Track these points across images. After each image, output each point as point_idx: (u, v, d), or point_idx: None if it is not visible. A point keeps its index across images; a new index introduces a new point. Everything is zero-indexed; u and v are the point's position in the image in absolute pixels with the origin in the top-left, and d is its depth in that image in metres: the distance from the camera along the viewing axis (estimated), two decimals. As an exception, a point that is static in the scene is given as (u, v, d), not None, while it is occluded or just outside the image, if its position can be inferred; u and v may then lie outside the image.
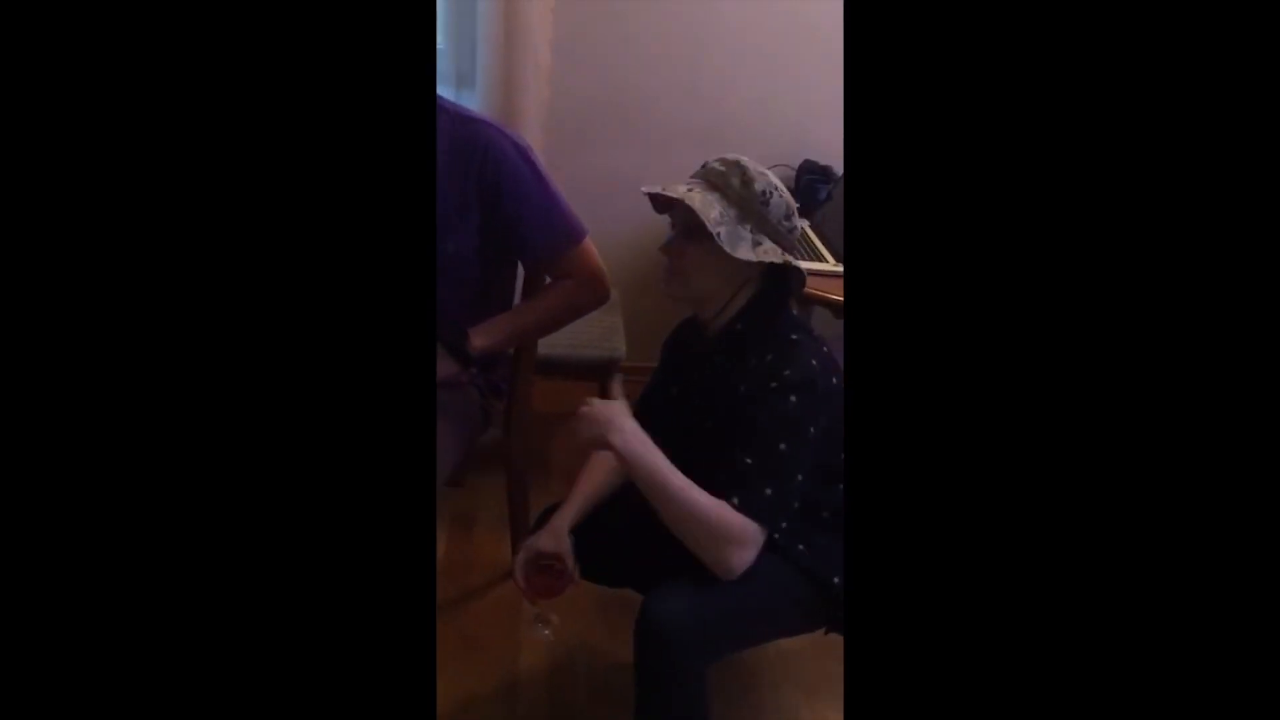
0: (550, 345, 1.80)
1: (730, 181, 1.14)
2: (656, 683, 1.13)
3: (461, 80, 1.93)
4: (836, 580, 1.18)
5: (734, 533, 1.08)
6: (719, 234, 1.10)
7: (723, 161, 1.17)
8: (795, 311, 1.24)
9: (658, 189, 1.16)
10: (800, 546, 1.17)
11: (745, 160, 1.16)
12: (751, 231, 1.14)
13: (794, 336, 1.17)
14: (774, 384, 1.12)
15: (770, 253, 1.14)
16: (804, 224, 2.02)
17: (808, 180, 2.16)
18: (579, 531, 1.25)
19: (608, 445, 1.11)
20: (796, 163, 2.23)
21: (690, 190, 1.13)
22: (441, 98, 1.33)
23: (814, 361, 1.14)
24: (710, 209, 1.11)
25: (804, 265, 1.23)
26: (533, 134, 1.95)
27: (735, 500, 1.09)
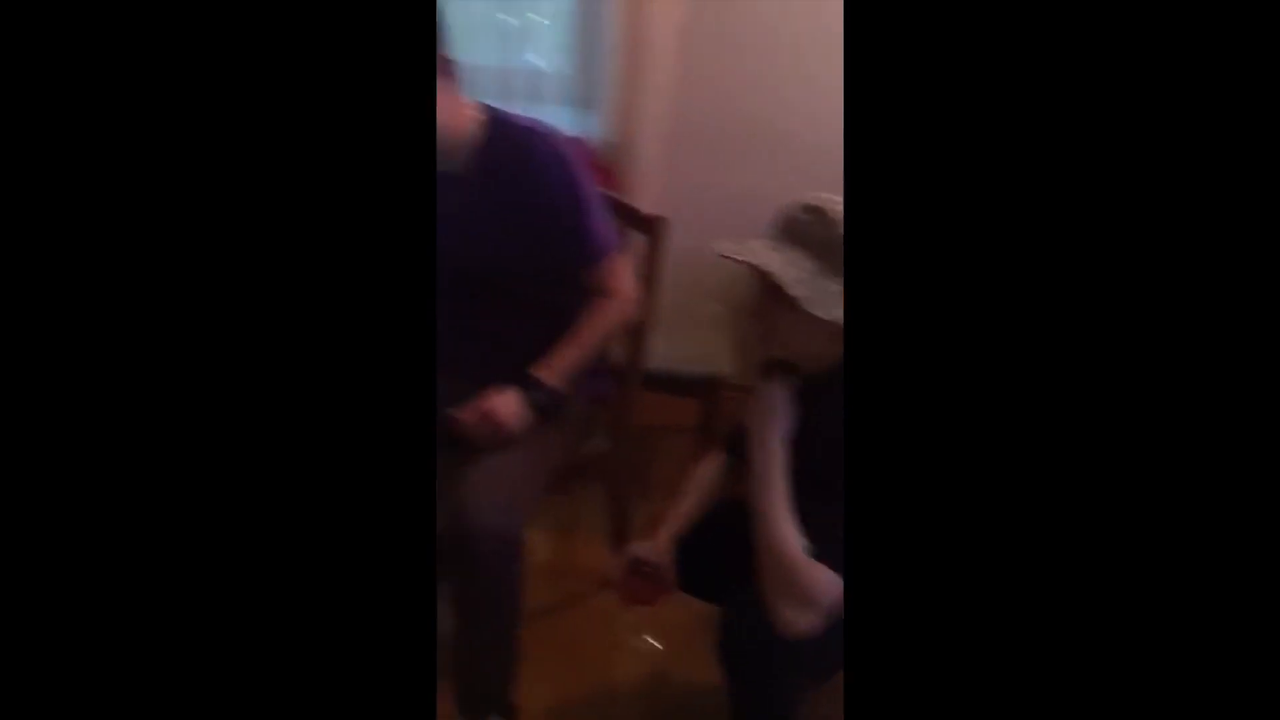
0: (658, 359, 1.83)
1: (812, 231, 1.01)
2: (742, 691, 1.11)
3: (584, 103, 1.99)
4: None
5: (816, 592, 1.00)
6: (800, 297, 0.99)
7: (804, 208, 1.04)
8: None
9: (734, 249, 1.03)
10: None
11: (827, 203, 1.03)
12: (839, 282, 1.01)
13: None
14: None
15: None
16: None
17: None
18: (683, 543, 1.26)
19: (752, 426, 1.06)
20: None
21: (767, 248, 1.02)
22: (499, 109, 1.32)
23: None
24: (789, 269, 1.00)
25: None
26: (654, 155, 1.99)
27: (816, 550, 1.02)
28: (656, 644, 1.26)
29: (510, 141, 1.29)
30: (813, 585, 1.00)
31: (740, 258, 1.02)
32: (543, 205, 1.29)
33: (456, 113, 1.26)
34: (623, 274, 1.37)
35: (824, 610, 1.01)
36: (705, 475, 1.33)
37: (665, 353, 1.92)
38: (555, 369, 1.34)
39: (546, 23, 1.91)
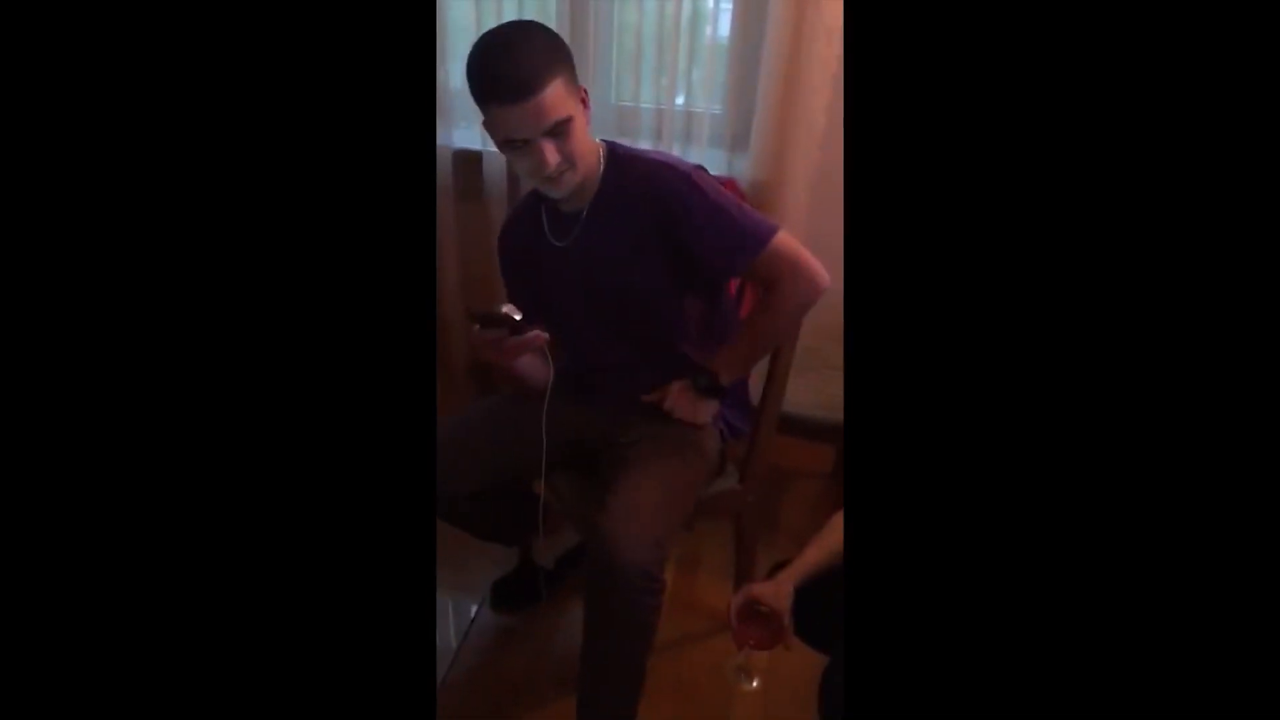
0: (793, 404, 1.81)
1: None
2: None
3: (735, 143, 2.02)
4: None
5: None
6: None
7: None
8: None
9: None
10: None
11: None
12: None
13: None
14: None
15: None
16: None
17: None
18: (804, 591, 1.23)
19: None
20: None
21: None
22: (615, 143, 1.36)
23: None
24: None
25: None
26: (802, 197, 1.98)
27: None
28: (752, 683, 1.23)
29: (631, 172, 1.32)
30: None
31: None
32: (678, 224, 1.30)
33: (588, 148, 1.29)
34: (789, 257, 1.34)
35: None
36: (836, 525, 1.30)
37: (801, 396, 1.90)
38: (724, 359, 1.40)
39: (702, 66, 1.96)
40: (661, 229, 1.31)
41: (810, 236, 2.06)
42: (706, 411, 1.42)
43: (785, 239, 1.34)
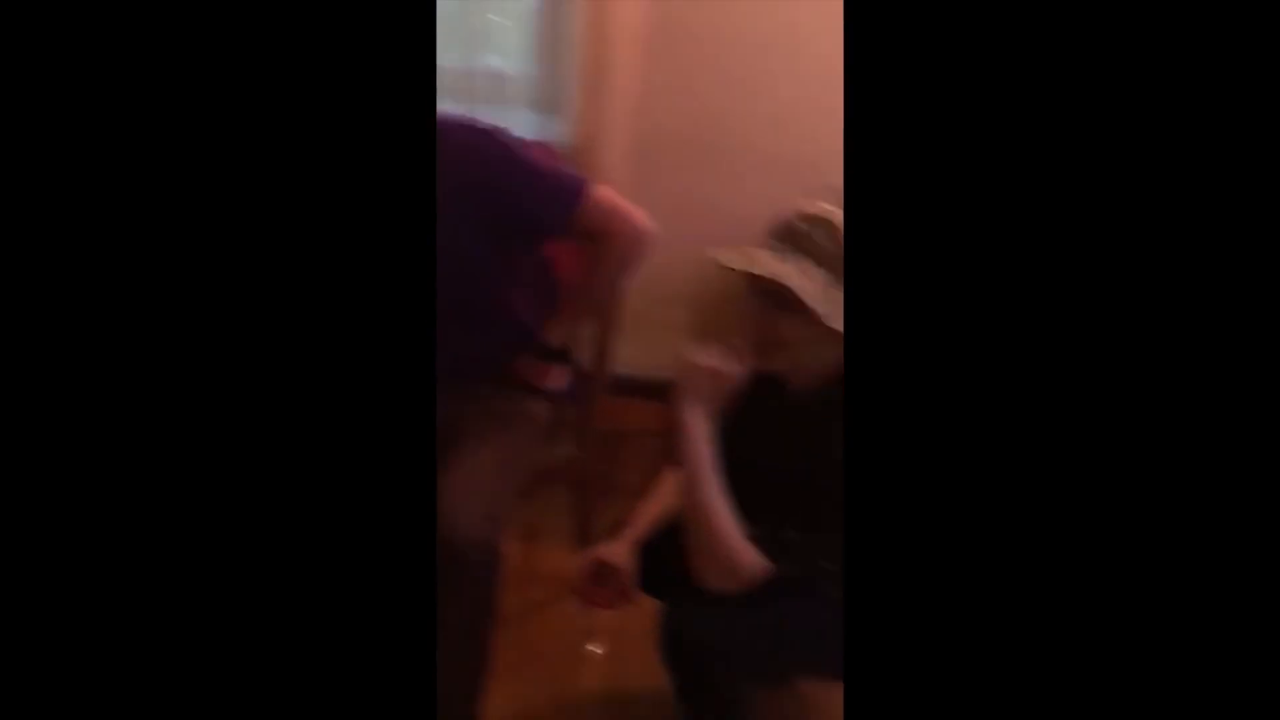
0: (623, 364, 1.82)
1: (818, 239, 1.01)
2: (685, 688, 1.12)
3: (548, 107, 1.98)
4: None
5: (742, 566, 1.03)
6: (818, 308, 0.99)
7: (805, 218, 1.04)
8: None
9: (737, 263, 1.02)
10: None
11: (831, 213, 1.03)
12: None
13: None
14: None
15: None
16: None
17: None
18: (646, 548, 1.25)
19: (678, 406, 1.03)
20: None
21: (775, 259, 1.01)
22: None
23: None
24: (804, 280, 0.99)
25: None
26: (617, 161, 1.98)
27: (753, 533, 1.05)
28: (598, 650, 1.25)
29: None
30: (739, 550, 1.03)
31: (750, 269, 1.01)
32: (486, 181, 1.25)
33: None
34: (609, 209, 1.30)
35: (743, 582, 1.04)
36: (672, 480, 1.32)
37: (631, 357, 1.92)
38: (557, 328, 1.38)
39: (509, 24, 1.90)
40: (468, 192, 1.25)
41: (631, 200, 2.07)
42: (559, 376, 1.42)
43: (603, 190, 1.30)
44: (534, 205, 1.28)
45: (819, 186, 2.40)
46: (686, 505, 1.07)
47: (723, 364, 1.02)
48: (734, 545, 1.04)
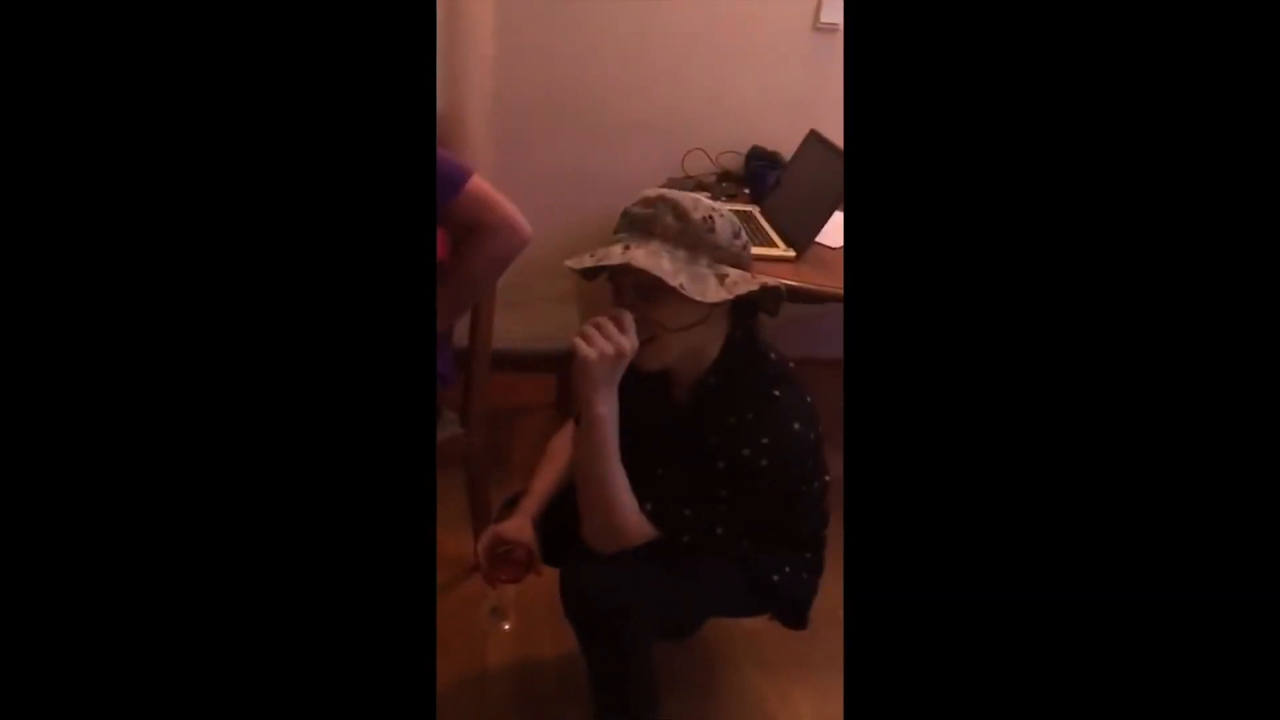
0: (505, 339, 1.80)
1: (665, 221, 1.02)
2: (590, 645, 1.16)
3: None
4: (776, 578, 1.21)
5: (629, 531, 1.08)
6: (681, 285, 0.99)
7: (644, 202, 1.04)
8: (772, 354, 1.14)
9: (587, 261, 1.03)
10: (745, 543, 1.19)
11: (669, 192, 1.05)
12: (709, 265, 1.03)
13: (776, 393, 1.08)
14: (746, 450, 1.04)
15: (740, 281, 1.03)
16: (754, 209, 2.04)
17: (756, 166, 2.19)
18: (544, 518, 1.25)
19: (582, 378, 1.02)
20: (745, 149, 2.25)
21: (626, 248, 1.01)
22: None
23: (796, 425, 1.06)
24: (659, 260, 0.99)
25: (756, 251, 1.21)
26: (477, 128, 1.94)
27: (648, 507, 1.09)
28: (506, 624, 1.26)
29: None
30: (627, 516, 1.06)
31: (607, 263, 1.02)
32: None
33: None
34: (487, 203, 1.26)
35: (629, 545, 1.08)
36: (560, 448, 1.32)
37: (512, 330, 1.89)
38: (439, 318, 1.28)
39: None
40: None
41: (499, 171, 2.03)
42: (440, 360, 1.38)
43: (481, 183, 1.27)
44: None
45: (684, 150, 2.44)
46: (583, 475, 1.08)
47: (617, 336, 1.02)
48: (625, 514, 1.07)
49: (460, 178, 1.24)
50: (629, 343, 1.01)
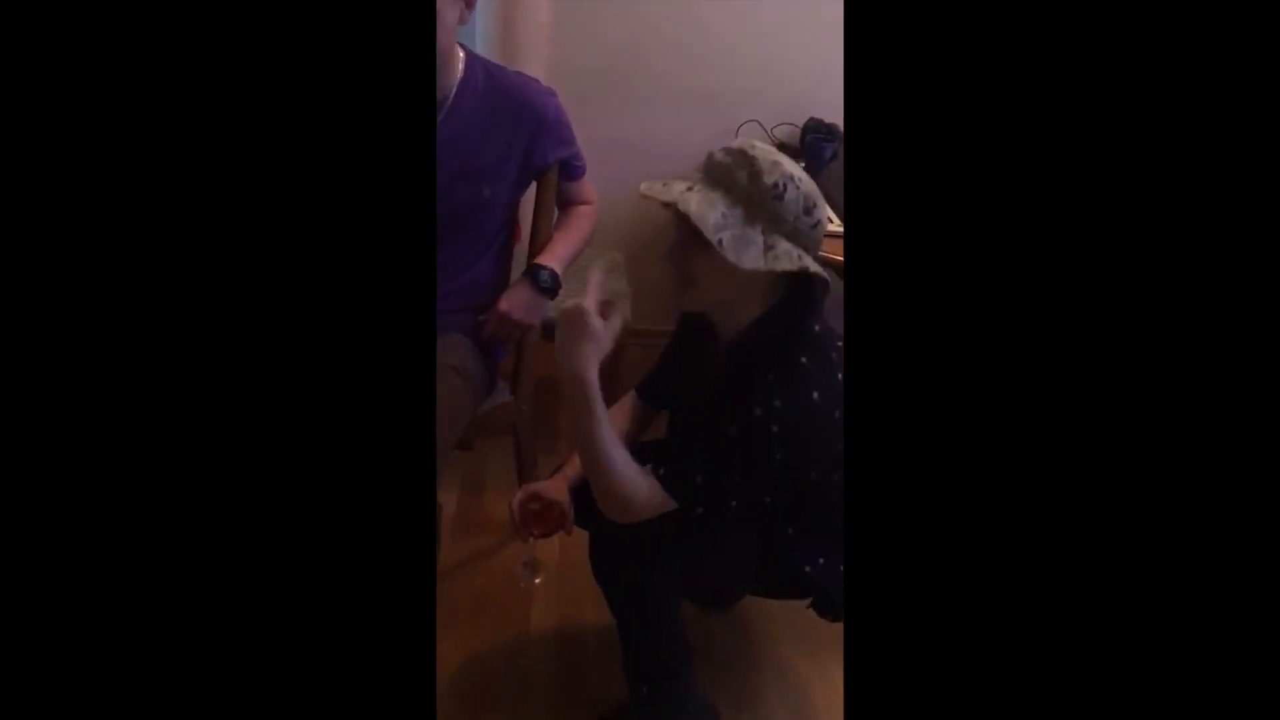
0: (555, 308, 1.81)
1: (736, 176, 1.00)
2: (616, 604, 1.19)
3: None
4: (808, 569, 1.21)
5: (637, 499, 1.07)
6: (720, 240, 0.97)
7: (728, 151, 1.02)
8: (818, 326, 1.09)
9: (657, 189, 1.03)
10: (767, 525, 1.19)
11: (756, 148, 1.01)
12: (764, 233, 0.99)
13: (803, 359, 1.04)
14: (759, 410, 1.01)
15: (784, 257, 0.99)
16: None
17: (813, 139, 2.15)
18: (579, 488, 1.27)
19: (561, 353, 1.03)
20: (802, 121, 2.21)
21: (689, 189, 1.00)
22: (474, 53, 1.36)
23: (815, 394, 1.03)
24: (710, 211, 0.98)
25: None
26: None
27: (661, 471, 1.07)
28: (537, 578, 1.30)
29: (502, 82, 1.35)
30: (632, 483, 1.06)
31: (661, 197, 1.01)
32: (548, 145, 1.38)
33: (450, 46, 1.29)
34: (591, 188, 1.51)
35: (638, 515, 1.08)
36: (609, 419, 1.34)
37: (562, 301, 1.90)
38: (554, 256, 1.44)
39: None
40: (527, 144, 1.35)
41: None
42: (540, 311, 1.44)
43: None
44: (569, 167, 1.43)
45: (738, 122, 2.39)
46: (578, 440, 1.08)
47: (602, 310, 1.02)
48: (623, 478, 1.06)
49: (584, 163, 1.45)
50: (606, 332, 1.02)
